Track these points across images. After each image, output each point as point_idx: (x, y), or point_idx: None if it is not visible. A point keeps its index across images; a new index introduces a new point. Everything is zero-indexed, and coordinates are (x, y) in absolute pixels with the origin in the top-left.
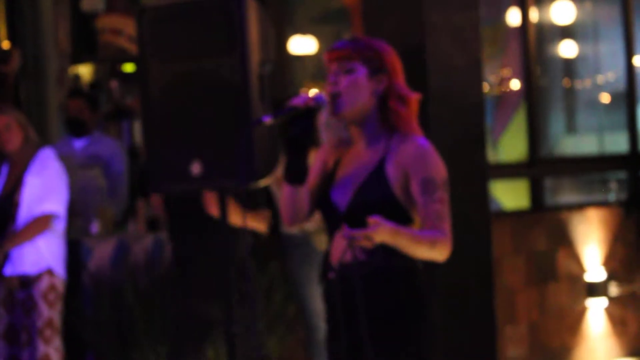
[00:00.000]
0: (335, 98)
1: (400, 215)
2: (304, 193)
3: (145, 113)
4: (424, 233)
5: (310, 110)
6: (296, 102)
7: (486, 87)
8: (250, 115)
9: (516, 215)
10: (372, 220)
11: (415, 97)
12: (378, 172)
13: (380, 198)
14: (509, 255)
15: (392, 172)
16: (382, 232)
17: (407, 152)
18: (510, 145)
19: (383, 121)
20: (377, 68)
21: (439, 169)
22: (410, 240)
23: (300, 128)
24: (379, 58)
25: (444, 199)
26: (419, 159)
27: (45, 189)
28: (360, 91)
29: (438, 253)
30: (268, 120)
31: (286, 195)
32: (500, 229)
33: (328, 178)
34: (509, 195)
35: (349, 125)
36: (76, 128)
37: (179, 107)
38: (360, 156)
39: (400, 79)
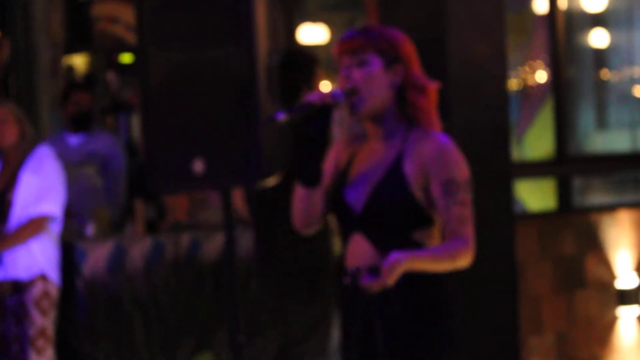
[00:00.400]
0: (351, 95)
1: (419, 216)
2: (319, 195)
3: (144, 107)
4: (443, 249)
5: (327, 107)
6: (312, 98)
7: (511, 80)
8: (257, 109)
9: (542, 217)
10: (386, 267)
11: (434, 87)
12: (395, 170)
13: (398, 198)
14: (534, 260)
15: (410, 170)
16: (398, 271)
17: (427, 150)
18: (536, 141)
19: (401, 114)
20: (392, 58)
21: (462, 169)
22: (430, 262)
23: (316, 126)
24: (394, 47)
25: (467, 200)
26: (440, 158)
27: (41, 188)
28: (377, 85)
29: (460, 263)
30: (282, 117)
31: (300, 198)
32: (525, 232)
33: (341, 176)
34: (535, 195)
35: (365, 120)
36: (83, 123)
37: (181, 100)
38: (376, 152)
39: (417, 68)
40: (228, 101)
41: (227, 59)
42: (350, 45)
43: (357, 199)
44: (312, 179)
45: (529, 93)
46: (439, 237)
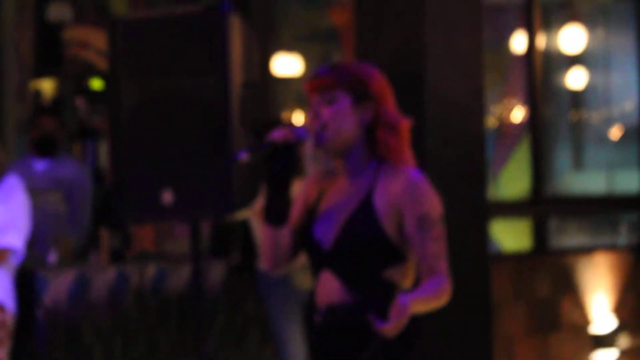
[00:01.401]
0: (318, 131)
1: (391, 253)
2: (286, 233)
3: (114, 134)
4: (430, 287)
5: (290, 146)
6: (275, 136)
7: (486, 118)
8: (229, 142)
9: (517, 258)
10: (400, 305)
11: (406, 124)
12: (365, 207)
13: (369, 235)
14: (508, 301)
15: (381, 206)
16: (409, 314)
17: (399, 185)
18: (511, 181)
19: (370, 151)
20: (362, 95)
21: (434, 204)
22: (424, 303)
23: (279, 164)
24: (364, 85)
25: (441, 236)
26: (412, 193)
27: (6, 220)
28: (344, 121)
29: (443, 301)
30: (244, 157)
31: (266, 236)
32: (499, 273)
33: (310, 213)
34: (510, 236)
35: (333, 156)
36: (47, 148)
37: (151, 129)
38: (346, 188)
39: (390, 105)
40: (200, 132)
41: (201, 89)
42: (319, 82)
43: (325, 235)
44: (277, 217)
45: (505, 131)
46: (412, 275)
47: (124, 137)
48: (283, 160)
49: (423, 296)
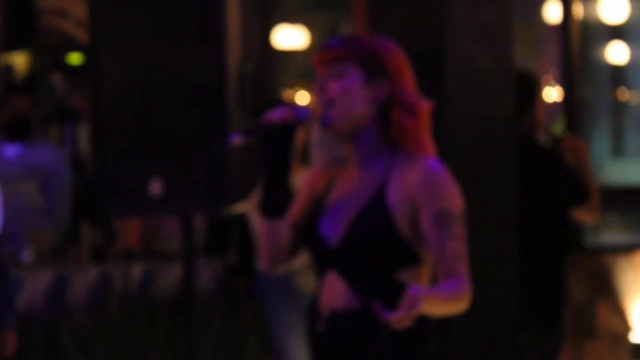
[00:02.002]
0: (324, 108)
1: (404, 254)
2: (285, 228)
3: (95, 117)
4: (449, 288)
5: (289, 127)
6: (272, 117)
7: None
8: (225, 126)
9: None
10: (412, 295)
11: (425, 106)
12: (377, 200)
13: (379, 233)
14: None
15: (395, 200)
16: (424, 306)
17: (414, 177)
18: None
19: (384, 136)
20: (376, 71)
21: (455, 198)
22: (442, 303)
23: (277, 148)
24: (379, 58)
25: (461, 234)
26: (430, 186)
27: None
28: (353, 99)
29: (462, 306)
30: (237, 139)
31: (263, 231)
32: None
33: (316, 206)
34: None
35: (342, 140)
36: (20, 131)
37: (137, 110)
38: (356, 179)
39: (408, 84)
40: (192, 113)
41: (192, 64)
42: (328, 54)
43: (332, 231)
44: (275, 209)
45: None
46: (427, 279)
47: (106, 119)
48: (281, 144)
49: (439, 294)
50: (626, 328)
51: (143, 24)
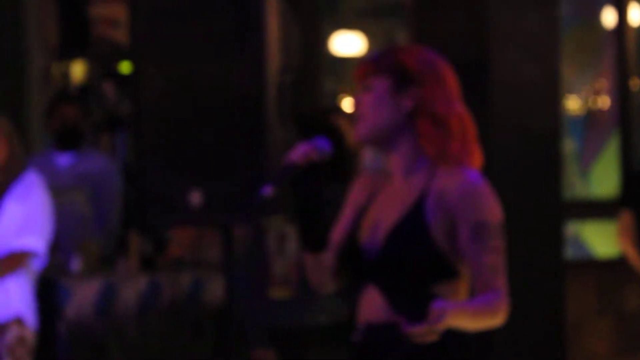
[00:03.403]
0: (357, 122)
1: (442, 269)
2: (329, 256)
3: (136, 128)
4: (482, 302)
5: (314, 166)
6: (294, 157)
7: (575, 103)
8: (265, 135)
9: (604, 265)
10: (436, 310)
11: (458, 115)
12: (415, 213)
13: (417, 248)
14: (592, 315)
15: (433, 213)
16: (448, 321)
17: (452, 190)
18: (604, 176)
19: (419, 146)
20: (404, 80)
21: (494, 211)
22: (472, 318)
23: (306, 188)
24: (404, 66)
25: (500, 247)
26: (467, 198)
27: (26, 221)
28: (381, 109)
29: (497, 321)
30: (268, 192)
31: (308, 263)
32: (582, 283)
33: (359, 218)
34: (603, 240)
35: (382, 152)
36: (71, 140)
37: (177, 121)
38: (397, 191)
39: (440, 93)
40: (231, 124)
41: (232, 74)
42: (362, 70)
43: (371, 244)
44: (315, 245)
45: (597, 119)
46: (464, 293)
47: (146, 129)
48: (309, 184)
49: (469, 309)
50: None
51: (183, 34)
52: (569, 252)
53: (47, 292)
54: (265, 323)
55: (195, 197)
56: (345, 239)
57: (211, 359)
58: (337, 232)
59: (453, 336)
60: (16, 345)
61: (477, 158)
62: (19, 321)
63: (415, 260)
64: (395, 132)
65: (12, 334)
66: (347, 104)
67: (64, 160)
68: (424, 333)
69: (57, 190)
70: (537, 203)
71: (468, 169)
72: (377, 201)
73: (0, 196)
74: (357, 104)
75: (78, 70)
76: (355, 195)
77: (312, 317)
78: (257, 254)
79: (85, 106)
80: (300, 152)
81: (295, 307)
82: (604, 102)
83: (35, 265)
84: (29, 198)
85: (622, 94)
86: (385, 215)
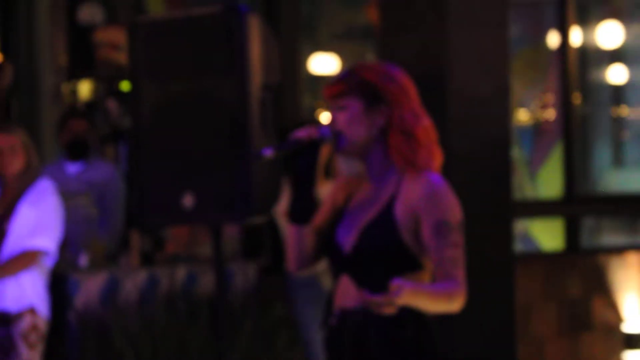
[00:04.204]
0: (336, 135)
1: (408, 262)
2: (310, 233)
3: (135, 137)
4: (440, 287)
5: (315, 144)
6: (300, 134)
7: (525, 115)
8: (249, 144)
9: (548, 257)
10: (395, 285)
11: (424, 127)
12: (385, 214)
13: (386, 243)
14: (538, 301)
15: (400, 214)
16: (404, 297)
17: (417, 192)
18: (550, 179)
19: (389, 156)
20: (374, 99)
21: (454, 210)
22: (429, 299)
23: (303, 163)
24: (375, 88)
25: (459, 242)
26: (431, 199)
27: (38, 223)
28: (357, 127)
29: (454, 306)
30: (268, 153)
31: (291, 236)
32: (530, 273)
33: (336, 215)
34: (548, 235)
35: (353, 159)
36: (80, 151)
37: (172, 132)
38: (370, 193)
39: (407, 108)
40: (219, 134)
41: (220, 90)
42: (332, 90)
43: (346, 239)
44: (301, 216)
45: (544, 129)
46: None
47: (143, 140)
48: (307, 158)
49: (427, 290)
50: (618, 321)
51: (176, 56)
52: (519, 246)
53: (59, 285)
54: None
55: (188, 200)
56: (325, 233)
57: (205, 343)
58: (317, 218)
59: (414, 318)
60: (29, 332)
61: (438, 161)
62: (32, 311)
63: (385, 254)
64: (369, 145)
65: (26, 322)
66: (323, 118)
67: (73, 168)
68: (382, 303)
69: (67, 195)
70: (491, 203)
71: (431, 173)
72: (353, 202)
73: (16, 201)
74: (333, 121)
75: (85, 88)
76: (334, 194)
77: None
78: None
79: (91, 121)
80: (305, 131)
81: None
82: (550, 114)
83: (47, 262)
84: (41, 202)
85: (565, 107)
86: (359, 214)
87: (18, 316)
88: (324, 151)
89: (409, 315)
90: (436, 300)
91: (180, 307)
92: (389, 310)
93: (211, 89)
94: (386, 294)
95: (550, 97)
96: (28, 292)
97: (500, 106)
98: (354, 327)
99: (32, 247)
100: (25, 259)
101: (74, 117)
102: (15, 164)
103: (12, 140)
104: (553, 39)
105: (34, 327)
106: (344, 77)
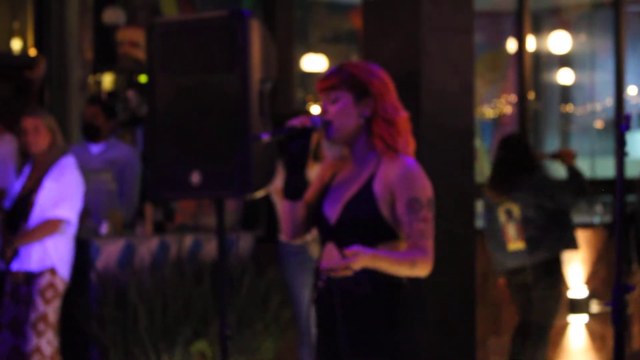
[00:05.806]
0: (326, 125)
1: (385, 233)
2: (302, 207)
3: (150, 123)
4: (403, 254)
5: (307, 130)
6: (294, 122)
7: (486, 110)
8: (248, 130)
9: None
10: (350, 251)
11: (402, 117)
12: (365, 190)
13: (366, 216)
14: (495, 270)
15: (379, 190)
16: (360, 261)
17: (394, 172)
18: None
19: (372, 142)
20: (362, 93)
21: (425, 189)
22: (390, 263)
23: (297, 146)
24: (364, 84)
25: (428, 218)
26: (405, 179)
27: (60, 194)
28: (347, 117)
29: (419, 271)
30: (266, 137)
31: (285, 210)
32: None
33: (323, 192)
34: None
35: (343, 145)
36: (90, 133)
37: (183, 119)
38: (352, 173)
39: (389, 101)
40: (224, 121)
41: (224, 84)
42: (325, 84)
43: (331, 212)
44: (294, 193)
45: (502, 122)
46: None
47: (159, 125)
48: (300, 143)
49: (388, 257)
50: (565, 287)
51: (188, 53)
52: (480, 223)
53: (82, 249)
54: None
55: (195, 177)
56: (313, 207)
57: (208, 302)
58: (308, 194)
59: (370, 278)
60: (47, 288)
61: (412, 148)
62: (52, 270)
63: (365, 224)
64: (356, 132)
65: (45, 279)
66: (312, 109)
67: (95, 149)
68: (337, 267)
69: (90, 172)
70: (456, 185)
71: (407, 157)
72: (337, 180)
73: (42, 176)
74: (324, 112)
75: (108, 80)
76: (321, 173)
77: (534, 259)
78: None
79: (112, 109)
80: (299, 120)
81: (523, 254)
82: (508, 110)
83: (68, 230)
84: (63, 177)
85: (520, 104)
86: (342, 190)
87: (39, 275)
88: (314, 137)
89: (364, 275)
90: (398, 265)
91: (187, 270)
92: (345, 273)
93: (217, 82)
94: (343, 260)
95: (509, 96)
96: (51, 255)
97: (466, 102)
98: (340, 287)
99: (54, 216)
100: (49, 226)
101: (89, 105)
102: (40, 143)
103: (37, 122)
104: (511, 45)
105: (52, 285)
106: (335, 72)
